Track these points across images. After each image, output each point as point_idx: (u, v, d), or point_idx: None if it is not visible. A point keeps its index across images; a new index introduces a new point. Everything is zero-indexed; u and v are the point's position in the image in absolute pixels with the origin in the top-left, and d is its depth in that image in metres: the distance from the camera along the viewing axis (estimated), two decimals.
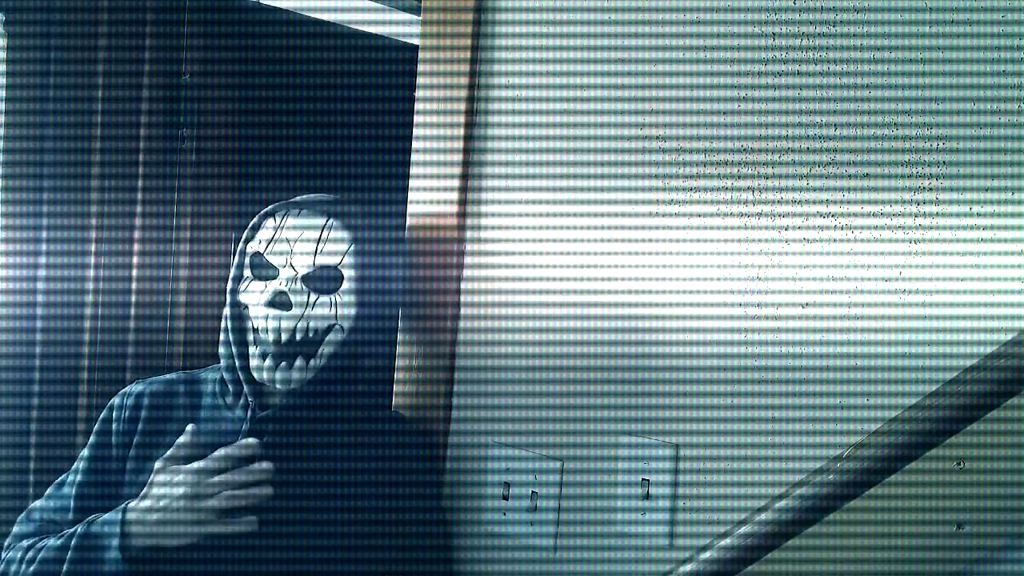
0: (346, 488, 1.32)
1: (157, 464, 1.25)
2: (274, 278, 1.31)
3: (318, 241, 1.31)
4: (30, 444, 1.90)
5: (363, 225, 1.35)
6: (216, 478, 1.22)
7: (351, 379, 1.38)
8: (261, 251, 1.33)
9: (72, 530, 1.26)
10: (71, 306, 1.95)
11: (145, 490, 1.24)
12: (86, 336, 1.95)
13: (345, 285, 1.32)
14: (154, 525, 1.21)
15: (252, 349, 1.32)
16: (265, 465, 1.23)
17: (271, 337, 1.30)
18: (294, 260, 1.31)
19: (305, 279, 1.31)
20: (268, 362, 1.30)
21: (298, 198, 1.36)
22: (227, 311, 1.36)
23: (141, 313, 2.00)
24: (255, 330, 1.32)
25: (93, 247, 1.96)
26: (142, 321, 2.00)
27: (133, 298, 1.99)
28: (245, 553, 1.26)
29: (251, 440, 1.25)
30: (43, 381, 1.92)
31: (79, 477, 1.37)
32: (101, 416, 1.40)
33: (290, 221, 1.33)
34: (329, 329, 1.32)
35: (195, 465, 1.23)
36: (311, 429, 1.34)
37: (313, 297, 1.30)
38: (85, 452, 1.39)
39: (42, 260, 1.93)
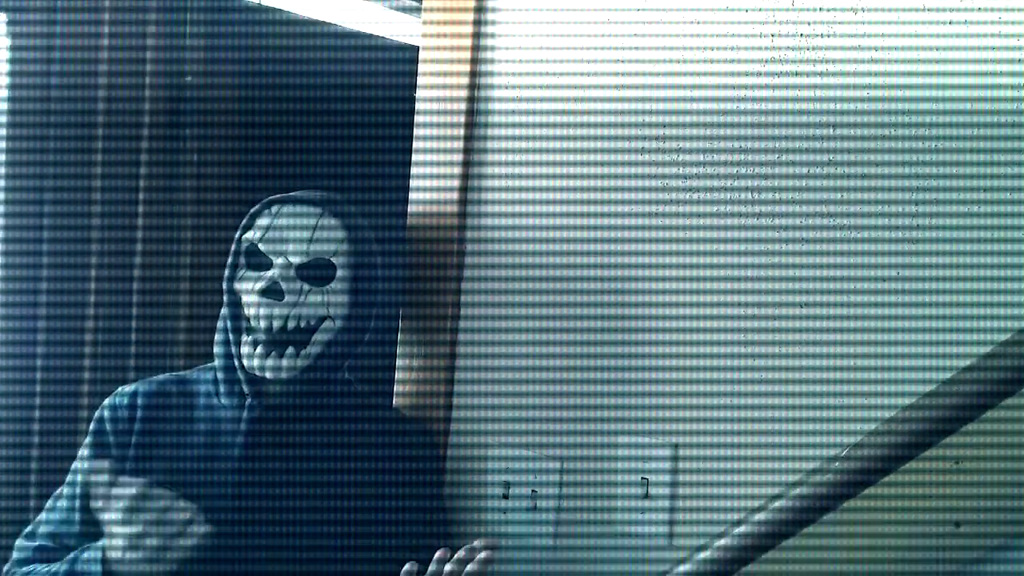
0: (346, 484, 1.33)
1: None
2: (268, 267, 1.33)
3: (313, 230, 1.33)
4: (32, 444, 1.90)
5: (358, 223, 1.37)
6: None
7: (345, 367, 1.39)
8: (255, 241, 1.34)
9: (56, 568, 1.24)
10: (73, 306, 1.95)
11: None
12: (87, 336, 1.96)
13: (338, 277, 1.34)
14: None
15: (244, 337, 1.33)
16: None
17: (263, 325, 1.31)
18: (288, 251, 1.33)
19: (299, 270, 1.33)
20: (259, 350, 1.31)
21: (296, 193, 1.39)
22: (224, 301, 1.37)
23: (143, 313, 2.00)
24: (248, 319, 1.33)
25: (94, 247, 1.96)
26: (144, 321, 2.00)
27: (135, 298, 1.99)
28: (245, 553, 1.27)
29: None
30: (44, 381, 1.93)
31: (78, 489, 1.34)
32: (92, 425, 1.38)
33: (285, 212, 1.35)
34: (322, 320, 1.33)
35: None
36: (308, 426, 1.34)
37: (306, 287, 1.32)
38: (80, 464, 1.37)
39: (44, 260, 1.93)
